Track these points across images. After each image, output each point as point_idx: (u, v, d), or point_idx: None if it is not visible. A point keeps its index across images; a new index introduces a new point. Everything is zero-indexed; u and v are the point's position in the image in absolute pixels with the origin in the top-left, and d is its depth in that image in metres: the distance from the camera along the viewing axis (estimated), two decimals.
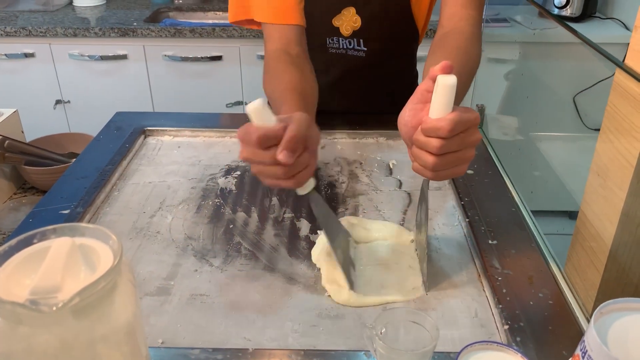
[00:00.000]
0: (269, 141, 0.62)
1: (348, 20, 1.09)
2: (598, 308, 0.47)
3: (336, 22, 1.10)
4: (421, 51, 1.26)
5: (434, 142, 0.62)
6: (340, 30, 1.11)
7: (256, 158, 0.63)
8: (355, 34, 1.11)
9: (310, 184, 0.69)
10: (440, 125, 0.61)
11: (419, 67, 1.18)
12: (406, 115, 0.67)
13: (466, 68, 0.83)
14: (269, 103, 0.65)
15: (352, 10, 1.09)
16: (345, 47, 1.13)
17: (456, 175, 0.66)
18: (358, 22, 1.09)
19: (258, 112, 0.61)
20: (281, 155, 0.61)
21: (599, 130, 0.74)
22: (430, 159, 0.63)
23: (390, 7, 1.09)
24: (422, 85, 0.65)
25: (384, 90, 1.22)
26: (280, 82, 0.87)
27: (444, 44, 0.89)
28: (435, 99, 0.62)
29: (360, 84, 1.19)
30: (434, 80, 0.62)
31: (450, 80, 0.61)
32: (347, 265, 0.75)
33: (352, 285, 0.74)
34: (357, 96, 1.21)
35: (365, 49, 1.13)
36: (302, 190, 0.69)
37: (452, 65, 0.61)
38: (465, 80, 0.82)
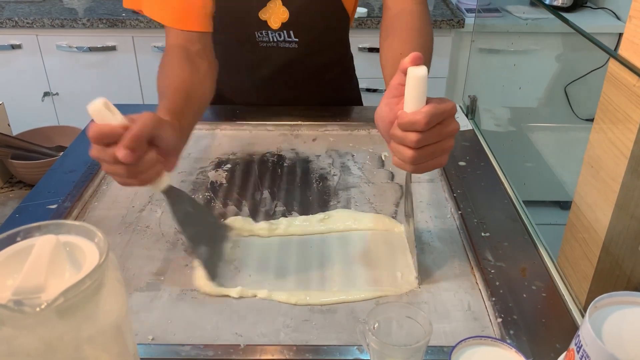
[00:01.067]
0: (105, 139, 0.62)
1: (275, 13, 1.06)
2: (593, 302, 0.46)
3: (263, 15, 1.06)
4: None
5: (412, 136, 0.61)
6: (269, 23, 1.07)
7: (100, 156, 0.63)
8: (284, 26, 1.07)
9: (163, 182, 0.69)
10: (416, 119, 0.60)
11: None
12: (382, 110, 0.66)
13: (425, 48, 0.81)
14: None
15: (278, 2, 1.05)
16: (275, 40, 1.10)
17: (438, 166, 0.66)
18: (286, 14, 1.06)
19: (97, 111, 0.61)
20: (119, 152, 0.61)
21: (590, 120, 0.74)
22: (409, 153, 0.62)
23: None
24: (395, 79, 0.64)
25: (321, 79, 1.20)
26: (166, 77, 0.83)
27: (395, 27, 0.86)
28: (408, 92, 0.61)
29: (296, 75, 1.16)
30: (405, 72, 0.61)
31: (421, 71, 0.60)
32: (213, 259, 0.78)
33: (213, 277, 0.75)
34: (295, 88, 1.18)
35: (297, 39, 1.10)
36: (155, 188, 0.70)
37: (421, 56, 0.60)
38: (426, 61, 0.80)
